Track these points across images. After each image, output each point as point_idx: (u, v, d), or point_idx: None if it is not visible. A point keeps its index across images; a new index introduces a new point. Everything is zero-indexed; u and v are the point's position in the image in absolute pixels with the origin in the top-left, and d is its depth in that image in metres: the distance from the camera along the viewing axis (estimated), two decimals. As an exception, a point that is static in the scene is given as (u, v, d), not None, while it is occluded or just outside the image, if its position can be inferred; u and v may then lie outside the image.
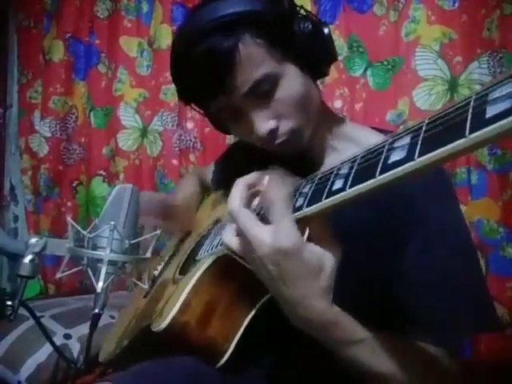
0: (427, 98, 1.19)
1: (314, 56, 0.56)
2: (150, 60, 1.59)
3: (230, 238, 0.45)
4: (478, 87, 1.13)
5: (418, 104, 1.20)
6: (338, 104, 1.30)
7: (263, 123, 0.56)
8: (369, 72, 1.28)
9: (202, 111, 0.63)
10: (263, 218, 0.43)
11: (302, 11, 0.58)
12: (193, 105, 0.62)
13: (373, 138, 0.38)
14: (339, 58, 1.27)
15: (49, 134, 1.74)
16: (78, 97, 1.71)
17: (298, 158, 0.60)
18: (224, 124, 0.63)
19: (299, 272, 0.40)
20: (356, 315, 0.44)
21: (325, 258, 0.40)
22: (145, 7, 1.59)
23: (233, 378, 0.57)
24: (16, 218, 1.91)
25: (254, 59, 0.53)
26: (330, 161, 0.62)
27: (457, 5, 1.16)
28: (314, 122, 0.59)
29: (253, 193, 0.46)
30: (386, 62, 1.26)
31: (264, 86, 0.54)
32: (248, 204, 0.45)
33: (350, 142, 0.63)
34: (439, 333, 0.52)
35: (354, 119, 1.26)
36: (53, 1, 1.75)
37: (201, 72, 0.54)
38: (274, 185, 0.43)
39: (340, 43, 1.29)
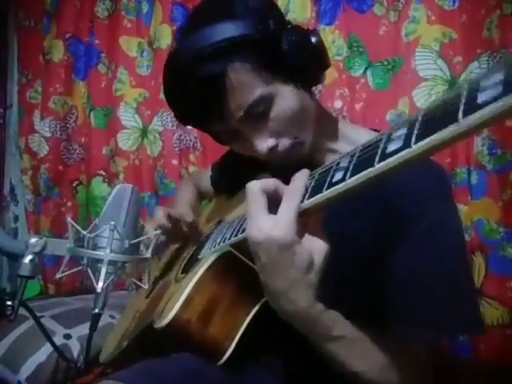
0: (427, 98, 1.19)
1: (305, 68, 0.56)
2: (150, 60, 1.59)
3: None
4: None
5: (418, 104, 1.19)
6: (337, 104, 1.30)
7: (262, 142, 0.57)
8: (369, 72, 1.28)
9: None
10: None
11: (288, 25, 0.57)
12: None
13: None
14: (339, 57, 1.28)
15: (49, 134, 1.74)
16: (78, 97, 1.71)
17: (297, 161, 0.61)
18: (225, 143, 0.64)
19: (288, 265, 0.40)
20: (341, 311, 0.46)
21: (315, 255, 0.41)
22: (145, 7, 1.58)
23: (234, 375, 0.57)
24: (16, 218, 1.91)
25: (245, 84, 0.53)
26: (329, 162, 0.63)
27: (457, 5, 1.16)
28: (312, 130, 0.60)
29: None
30: (386, 62, 1.25)
31: (259, 108, 0.55)
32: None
33: (348, 143, 0.63)
34: (417, 331, 0.52)
35: (354, 119, 1.26)
36: (53, 1, 1.75)
37: (192, 101, 0.55)
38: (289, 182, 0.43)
39: (340, 43, 1.28)
